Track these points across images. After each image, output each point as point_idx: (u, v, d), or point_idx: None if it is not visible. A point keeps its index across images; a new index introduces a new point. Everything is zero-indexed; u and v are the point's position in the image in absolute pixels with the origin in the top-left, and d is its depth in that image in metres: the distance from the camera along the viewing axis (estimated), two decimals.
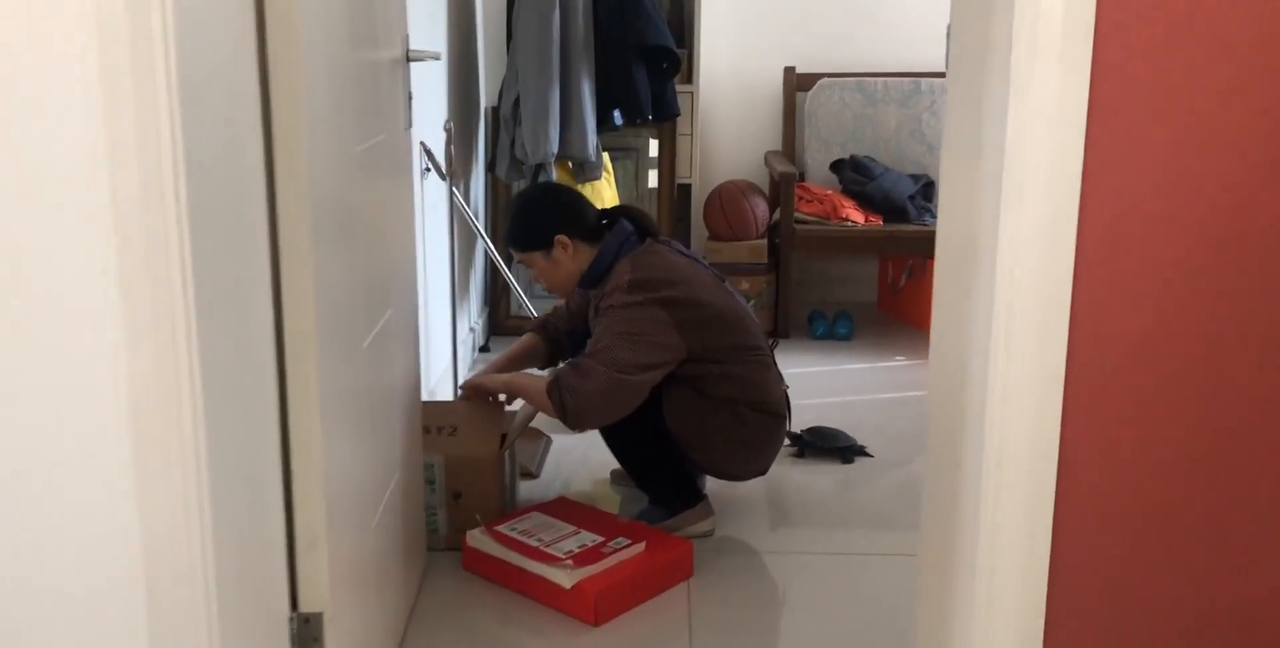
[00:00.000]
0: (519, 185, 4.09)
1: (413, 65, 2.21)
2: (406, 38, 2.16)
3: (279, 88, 1.43)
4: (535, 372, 2.73)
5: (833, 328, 4.27)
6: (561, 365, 2.49)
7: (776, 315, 4.28)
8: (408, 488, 2.18)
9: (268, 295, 1.47)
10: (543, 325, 2.81)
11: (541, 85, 3.59)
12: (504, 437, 2.56)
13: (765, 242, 4.24)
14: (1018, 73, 1.37)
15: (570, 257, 2.58)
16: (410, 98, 2.21)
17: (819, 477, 2.98)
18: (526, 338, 2.82)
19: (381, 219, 1.99)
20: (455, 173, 3.13)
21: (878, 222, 4.24)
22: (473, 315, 4.05)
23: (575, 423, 2.41)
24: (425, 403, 2.56)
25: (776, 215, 4.35)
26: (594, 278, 2.55)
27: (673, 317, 2.41)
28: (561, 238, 2.57)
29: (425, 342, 3.28)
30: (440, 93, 3.42)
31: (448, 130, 3.06)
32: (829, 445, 3.07)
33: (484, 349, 4.03)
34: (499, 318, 4.22)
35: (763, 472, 2.64)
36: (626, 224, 2.61)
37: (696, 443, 2.50)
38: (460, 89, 3.73)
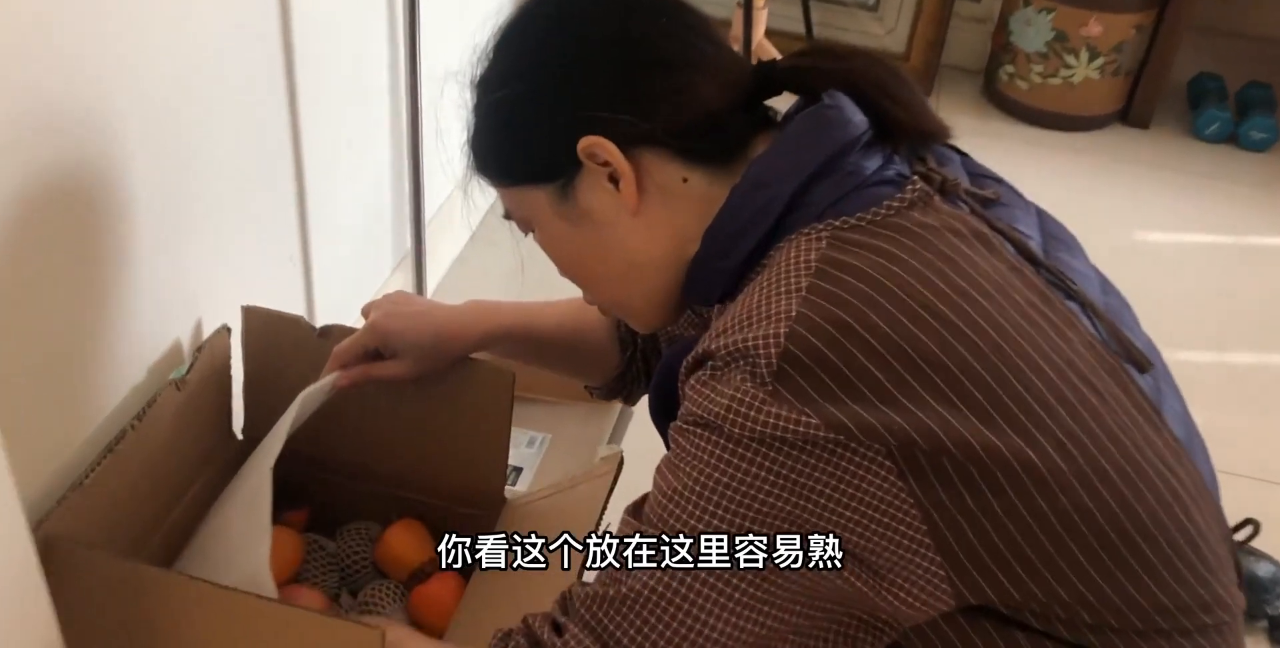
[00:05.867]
0: None
1: None
2: None
3: None
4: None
5: (1238, 124, 2.26)
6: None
7: (1134, 89, 2.27)
8: None
9: None
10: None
11: None
12: None
13: None
14: None
15: (623, 205, 0.74)
16: None
17: None
18: (596, 319, 1.04)
19: None
20: None
21: None
22: None
23: None
24: (234, 593, 0.89)
25: None
26: (712, 279, 0.74)
27: (925, 491, 0.61)
28: (598, 143, 0.72)
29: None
30: None
31: None
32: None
33: None
34: None
35: None
36: (843, 108, 0.71)
37: None
38: None
